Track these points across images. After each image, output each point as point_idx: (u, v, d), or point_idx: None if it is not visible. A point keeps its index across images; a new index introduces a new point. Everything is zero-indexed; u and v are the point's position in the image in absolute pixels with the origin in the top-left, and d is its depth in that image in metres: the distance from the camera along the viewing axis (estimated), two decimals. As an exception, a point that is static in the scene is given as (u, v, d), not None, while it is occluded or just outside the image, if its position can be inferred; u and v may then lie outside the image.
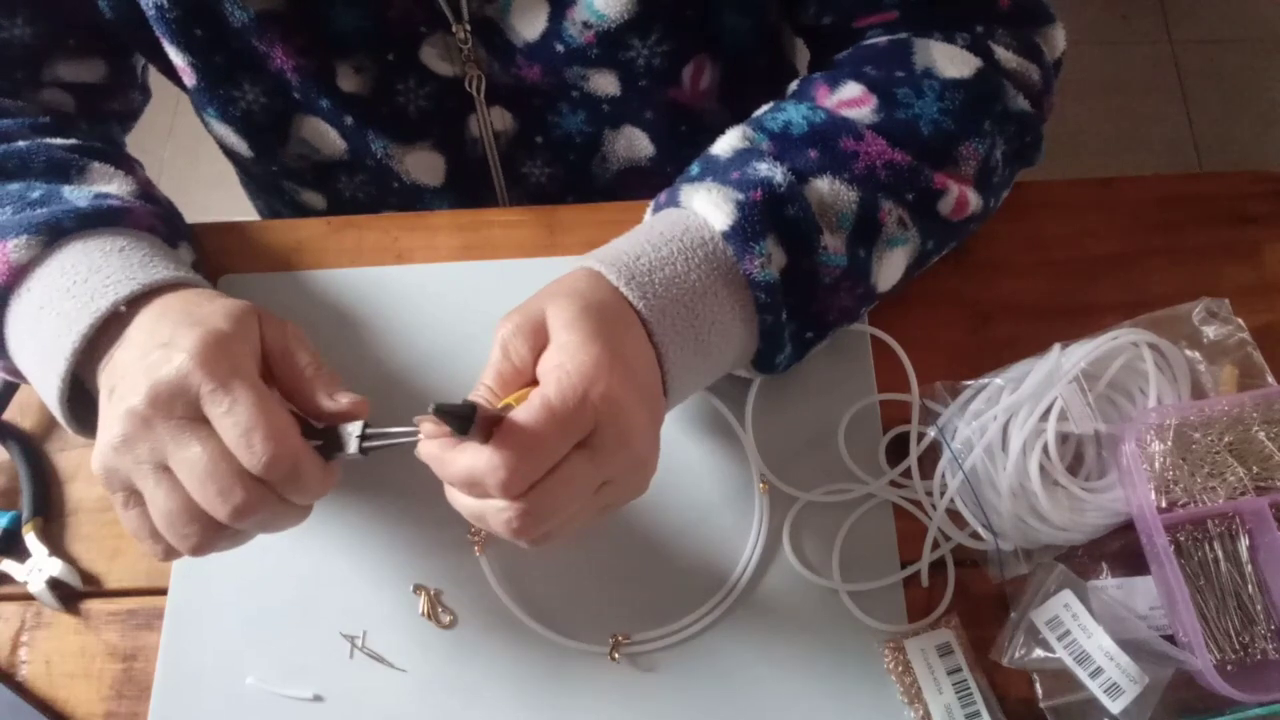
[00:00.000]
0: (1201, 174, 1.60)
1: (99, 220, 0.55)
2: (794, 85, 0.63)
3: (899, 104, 0.58)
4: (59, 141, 0.59)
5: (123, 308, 0.51)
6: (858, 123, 0.57)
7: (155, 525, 0.48)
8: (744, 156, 0.56)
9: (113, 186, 0.59)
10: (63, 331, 0.51)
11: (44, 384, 0.52)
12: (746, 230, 0.53)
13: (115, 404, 0.47)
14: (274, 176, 0.75)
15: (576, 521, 0.49)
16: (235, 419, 0.46)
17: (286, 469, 0.46)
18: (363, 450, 0.50)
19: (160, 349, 0.48)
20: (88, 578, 0.60)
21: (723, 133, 0.73)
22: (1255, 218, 0.68)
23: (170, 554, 0.49)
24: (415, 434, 0.49)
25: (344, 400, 0.50)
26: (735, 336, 0.54)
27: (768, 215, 0.53)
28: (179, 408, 0.46)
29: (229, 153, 0.75)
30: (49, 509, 0.61)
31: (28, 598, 0.59)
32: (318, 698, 0.57)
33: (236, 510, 0.46)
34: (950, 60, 0.59)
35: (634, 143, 0.72)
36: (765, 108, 0.61)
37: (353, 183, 0.74)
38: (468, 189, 0.74)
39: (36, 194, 0.56)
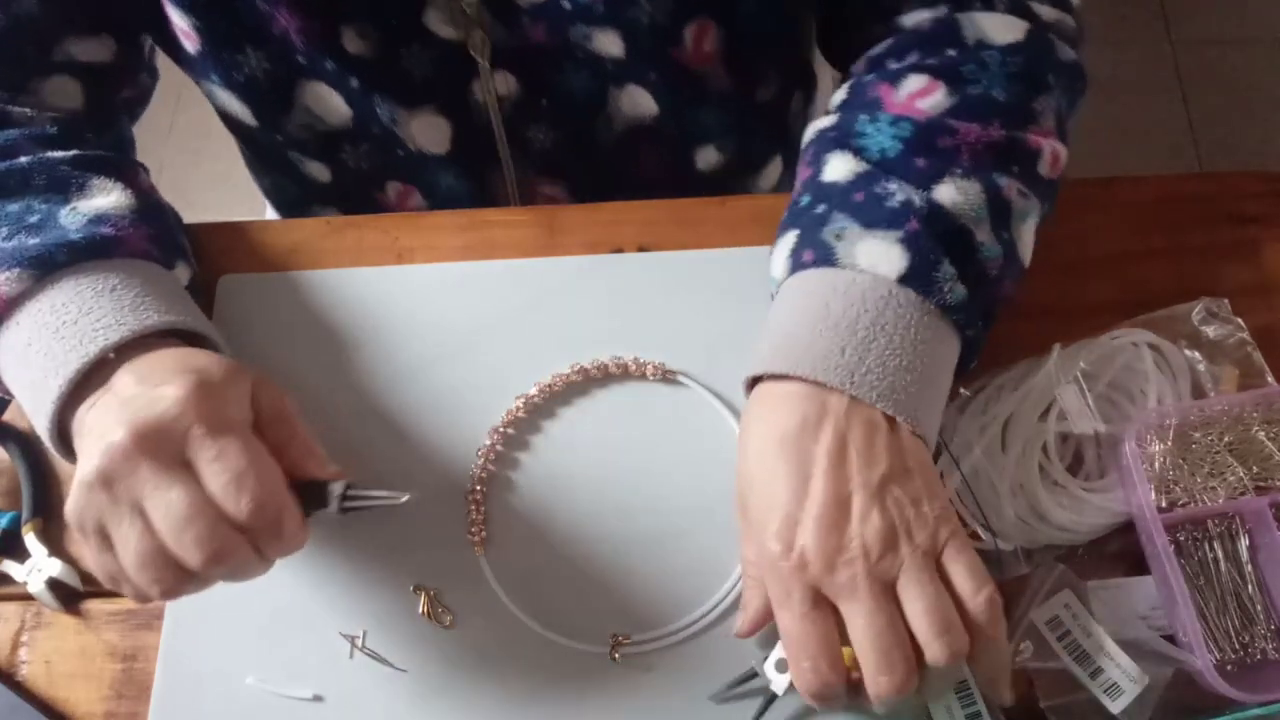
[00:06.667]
0: (1201, 174, 1.60)
1: (92, 252, 0.54)
2: (841, 94, 0.63)
3: (967, 81, 0.58)
4: (60, 155, 0.59)
5: (111, 354, 0.51)
6: (941, 117, 0.57)
7: (125, 568, 0.48)
8: (866, 181, 0.56)
9: (111, 200, 0.58)
10: (50, 373, 0.51)
11: (34, 417, 0.53)
12: (923, 265, 0.52)
13: (95, 441, 0.47)
14: (278, 147, 0.75)
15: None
16: (224, 464, 0.47)
17: (271, 518, 0.47)
18: (342, 510, 0.51)
19: (148, 391, 0.48)
20: (88, 578, 0.60)
21: (724, 96, 0.71)
22: (1255, 218, 0.68)
23: (142, 597, 0.49)
24: (394, 498, 0.52)
25: (330, 468, 0.52)
26: (950, 362, 0.54)
27: (931, 238, 0.53)
28: (164, 448, 0.47)
29: (233, 124, 0.75)
30: (49, 509, 0.61)
31: (28, 598, 0.59)
32: (318, 698, 0.57)
33: (210, 558, 0.46)
34: (1000, 27, 0.60)
35: (638, 102, 0.71)
36: (838, 118, 0.60)
37: (357, 152, 0.74)
38: (473, 157, 0.73)
39: (34, 218, 0.56)
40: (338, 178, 0.77)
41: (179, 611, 0.59)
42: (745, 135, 0.77)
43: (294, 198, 0.84)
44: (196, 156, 1.75)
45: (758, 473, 0.51)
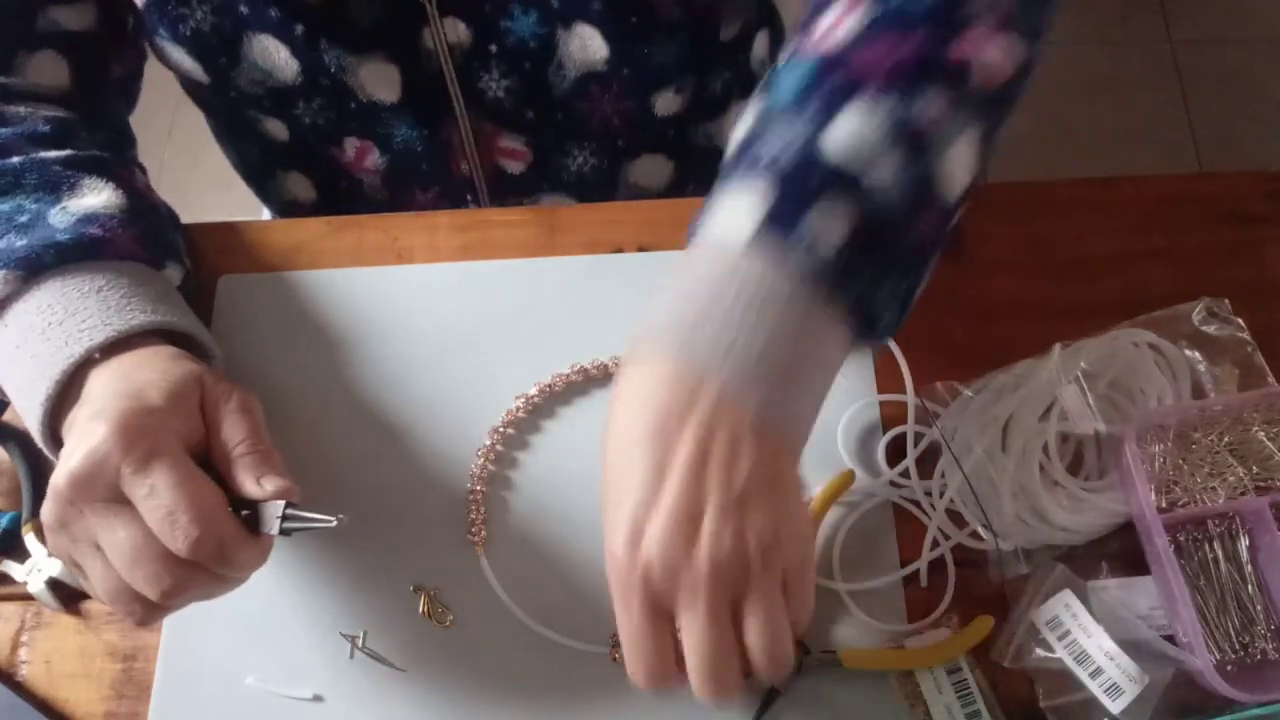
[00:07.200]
0: (1201, 174, 1.60)
1: (80, 253, 0.54)
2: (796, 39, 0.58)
3: None
4: (53, 155, 0.59)
5: (97, 354, 0.51)
6: (849, 47, 0.50)
7: (102, 599, 0.49)
8: (759, 128, 0.50)
9: (101, 200, 0.58)
10: (38, 375, 0.51)
11: (26, 419, 0.53)
12: (777, 225, 0.46)
13: (54, 475, 0.48)
14: (234, 106, 0.74)
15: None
16: (157, 502, 0.46)
17: (212, 549, 0.47)
18: (283, 531, 0.50)
19: (84, 425, 0.48)
20: (88, 578, 0.60)
21: (675, 30, 0.69)
22: (1255, 218, 0.68)
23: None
24: (328, 521, 0.49)
25: (269, 487, 0.50)
26: (822, 339, 0.47)
27: (792, 198, 0.46)
28: (100, 490, 0.47)
29: (190, 86, 0.75)
30: (49, 509, 0.61)
31: (28, 598, 0.59)
32: (318, 698, 0.57)
33: (166, 593, 0.47)
34: None
35: (588, 44, 0.70)
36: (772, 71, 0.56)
37: (310, 108, 0.73)
38: (426, 106, 0.73)
39: (24, 218, 0.55)
40: (295, 135, 0.76)
41: (179, 612, 0.59)
42: (703, 75, 0.75)
43: (258, 164, 0.84)
44: (196, 158, 1.75)
45: (616, 463, 0.46)
